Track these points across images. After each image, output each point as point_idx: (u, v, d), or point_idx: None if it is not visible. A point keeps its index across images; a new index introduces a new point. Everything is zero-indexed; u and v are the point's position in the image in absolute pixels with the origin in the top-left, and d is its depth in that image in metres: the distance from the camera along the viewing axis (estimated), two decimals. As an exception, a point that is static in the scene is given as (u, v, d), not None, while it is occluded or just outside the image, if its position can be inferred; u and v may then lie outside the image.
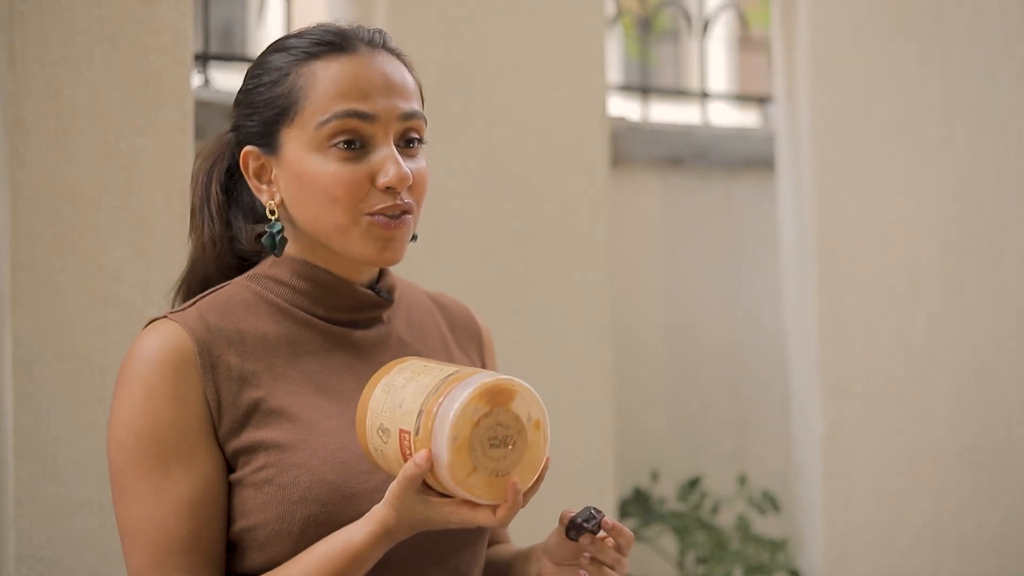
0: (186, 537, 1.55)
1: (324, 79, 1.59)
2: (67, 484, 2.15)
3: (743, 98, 3.80)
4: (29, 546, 2.11)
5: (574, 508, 1.59)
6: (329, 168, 1.58)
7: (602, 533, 1.57)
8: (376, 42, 1.64)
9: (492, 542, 1.87)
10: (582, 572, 1.58)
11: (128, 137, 2.22)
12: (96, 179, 2.20)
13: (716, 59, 4.54)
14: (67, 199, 2.17)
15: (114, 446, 1.57)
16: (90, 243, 2.19)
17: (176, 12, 2.26)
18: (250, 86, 1.65)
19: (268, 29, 3.11)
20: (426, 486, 1.47)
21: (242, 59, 2.94)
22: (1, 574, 2.15)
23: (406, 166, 1.59)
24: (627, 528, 1.59)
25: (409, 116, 1.61)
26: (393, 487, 1.46)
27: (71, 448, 2.15)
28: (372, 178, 1.58)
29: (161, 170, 2.24)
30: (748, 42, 3.58)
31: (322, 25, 1.65)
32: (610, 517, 1.59)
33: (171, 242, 2.24)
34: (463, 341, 1.82)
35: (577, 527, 1.55)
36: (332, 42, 1.61)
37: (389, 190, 1.58)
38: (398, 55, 1.66)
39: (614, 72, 4.61)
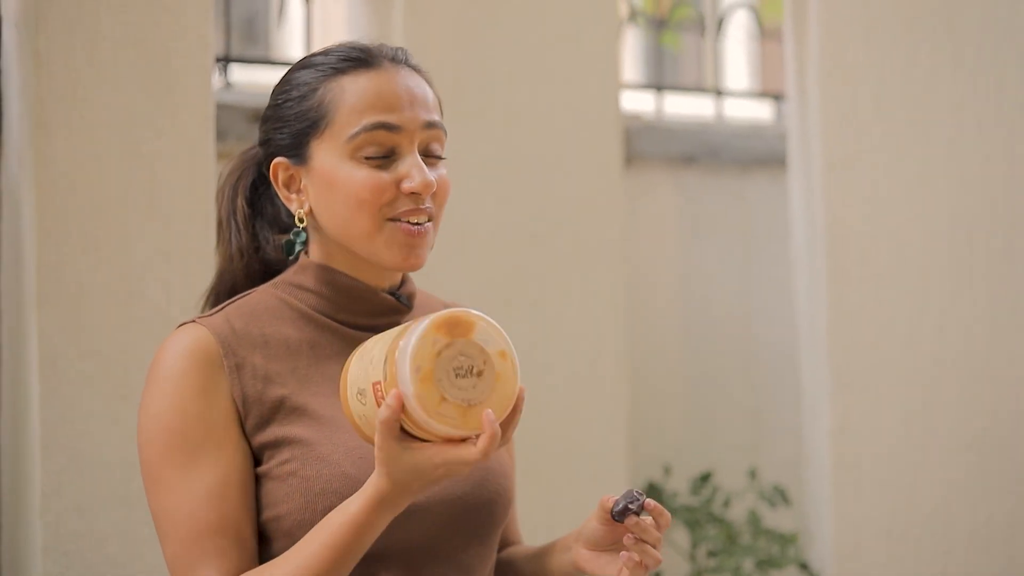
0: (215, 522, 1.60)
1: (352, 93, 1.67)
2: (92, 478, 2.19)
3: (760, 95, 3.82)
4: (55, 539, 2.16)
5: (613, 495, 1.64)
6: (358, 176, 1.65)
7: (644, 514, 1.62)
8: (399, 58, 1.72)
9: (505, 544, 1.91)
10: (623, 553, 1.62)
11: (151, 139, 2.27)
12: (120, 181, 2.24)
13: (738, 54, 4.56)
14: (91, 200, 2.22)
15: (145, 440, 1.63)
16: (114, 243, 2.24)
17: (198, 17, 2.30)
18: (279, 101, 1.72)
19: (289, 29, 3.15)
20: (407, 434, 1.49)
21: (263, 61, 2.98)
22: (27, 567, 2.20)
23: (430, 174, 1.67)
24: (665, 510, 1.64)
25: (432, 125, 1.69)
26: (376, 441, 1.49)
27: (96, 443, 2.20)
28: (398, 184, 1.66)
29: (183, 171, 2.29)
30: (769, 37, 3.60)
31: (347, 43, 1.73)
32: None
33: (193, 242, 2.29)
34: None
35: (623, 510, 1.60)
36: (358, 58, 1.69)
37: (414, 195, 1.66)
38: (419, 71, 1.74)
39: (637, 69, 4.62)
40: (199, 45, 2.31)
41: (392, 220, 1.66)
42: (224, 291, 1.80)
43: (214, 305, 1.80)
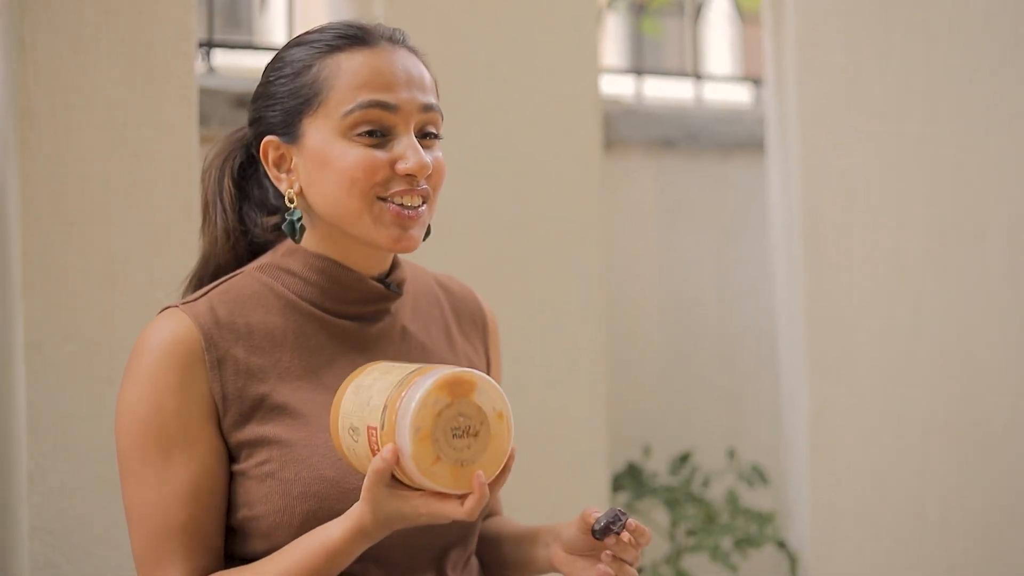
0: (184, 522, 1.60)
1: (348, 70, 1.63)
2: (77, 461, 2.21)
3: (741, 79, 3.84)
4: (41, 520, 2.18)
5: (596, 508, 1.66)
6: (352, 153, 1.62)
7: (625, 533, 1.63)
8: (397, 39, 1.69)
9: (489, 514, 1.92)
10: (600, 566, 1.63)
11: (134, 126, 2.28)
12: (103, 167, 2.26)
13: (721, 38, 4.57)
14: (75, 187, 2.23)
15: (120, 431, 1.63)
16: (98, 229, 2.25)
17: (180, 5, 2.31)
18: (271, 79, 1.69)
19: (271, 15, 3.16)
20: (397, 480, 1.51)
21: (246, 46, 3.00)
22: (14, 547, 2.22)
23: (426, 155, 1.65)
24: (647, 529, 1.66)
25: (429, 108, 1.67)
26: (365, 483, 1.50)
27: (81, 426, 2.21)
28: (392, 164, 1.63)
29: (166, 158, 2.30)
30: (752, 21, 3.62)
31: (343, 21, 1.70)
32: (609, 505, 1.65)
33: (176, 227, 2.30)
34: (467, 328, 1.87)
35: (604, 529, 1.62)
36: (355, 36, 1.66)
37: (408, 176, 1.63)
38: (416, 52, 1.72)
39: (618, 53, 4.64)
40: (181, 31, 2.32)
41: (382, 200, 1.63)
42: (208, 275, 1.77)
43: (196, 289, 1.76)
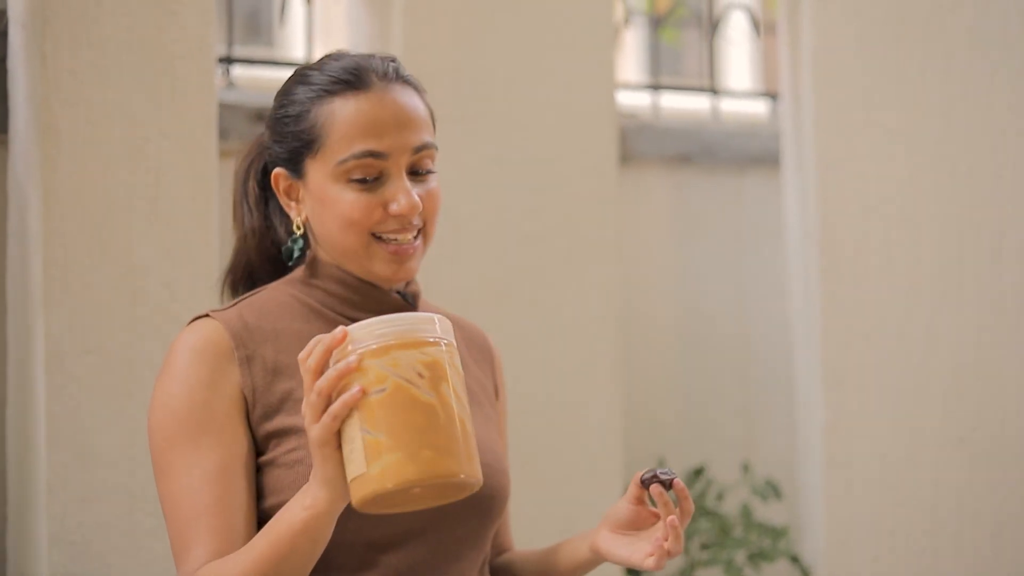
0: (209, 503, 1.64)
1: (342, 119, 1.72)
2: (97, 471, 2.23)
3: (758, 94, 3.85)
4: (61, 530, 2.20)
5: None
6: (347, 197, 1.71)
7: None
8: (390, 75, 1.76)
9: (498, 551, 1.94)
10: (660, 525, 1.67)
11: (155, 140, 2.31)
12: (125, 181, 2.28)
13: (740, 52, 4.58)
14: (97, 200, 2.26)
15: (153, 428, 1.69)
16: (119, 242, 2.27)
17: (200, 21, 2.34)
18: (278, 115, 1.78)
19: (291, 27, 3.19)
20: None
21: (265, 61, 3.02)
22: (34, 557, 2.24)
23: (415, 193, 1.73)
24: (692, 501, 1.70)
25: (420, 149, 1.74)
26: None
27: (101, 437, 2.24)
28: (385, 206, 1.72)
29: (187, 171, 2.33)
30: (772, 34, 3.63)
31: (340, 60, 1.77)
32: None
33: (196, 241, 2.33)
34: (478, 358, 1.93)
35: (652, 477, 1.67)
36: (348, 80, 1.73)
37: (400, 216, 1.72)
38: (410, 83, 1.78)
39: (638, 67, 4.65)
40: (201, 46, 2.35)
41: (379, 239, 1.73)
42: (240, 267, 1.86)
43: (232, 284, 1.87)
